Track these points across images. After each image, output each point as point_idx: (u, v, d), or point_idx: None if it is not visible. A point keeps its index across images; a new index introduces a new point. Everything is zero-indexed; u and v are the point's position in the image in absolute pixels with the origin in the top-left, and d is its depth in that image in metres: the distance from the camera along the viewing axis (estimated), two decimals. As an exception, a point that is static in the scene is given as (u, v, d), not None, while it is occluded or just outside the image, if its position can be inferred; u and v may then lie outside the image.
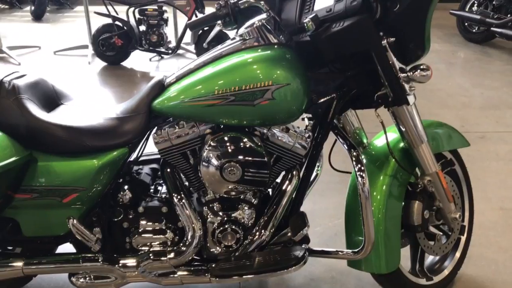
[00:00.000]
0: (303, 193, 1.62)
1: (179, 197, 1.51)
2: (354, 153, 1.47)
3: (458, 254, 1.83)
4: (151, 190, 1.65)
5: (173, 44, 4.91)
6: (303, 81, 1.42)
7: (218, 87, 1.39)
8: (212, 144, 1.44)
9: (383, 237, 1.52)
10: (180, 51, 5.15)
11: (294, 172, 1.55)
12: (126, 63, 4.81)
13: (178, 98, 1.43)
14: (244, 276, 1.48)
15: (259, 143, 1.46)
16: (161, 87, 1.51)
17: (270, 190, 1.67)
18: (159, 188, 1.68)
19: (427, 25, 1.34)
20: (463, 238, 1.85)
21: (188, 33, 4.73)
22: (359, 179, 1.43)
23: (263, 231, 1.53)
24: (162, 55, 5.01)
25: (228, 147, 1.43)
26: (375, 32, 1.35)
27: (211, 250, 1.58)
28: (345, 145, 1.54)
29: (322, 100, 1.53)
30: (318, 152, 1.59)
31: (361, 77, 1.52)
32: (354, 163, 1.46)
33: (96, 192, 1.48)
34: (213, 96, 1.39)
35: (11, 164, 1.33)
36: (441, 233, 1.71)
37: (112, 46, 4.58)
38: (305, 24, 1.38)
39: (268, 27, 1.51)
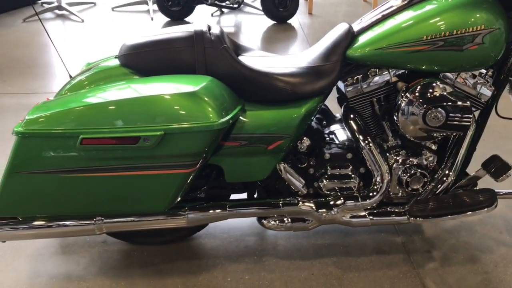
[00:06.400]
0: (478, 139, 1.66)
1: (366, 142, 1.56)
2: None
3: None
4: (327, 138, 1.70)
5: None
6: (507, 27, 1.43)
7: (427, 32, 1.40)
8: (413, 91, 1.47)
9: None
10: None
11: (472, 118, 1.59)
12: (189, 19, 4.77)
13: (379, 45, 1.45)
14: (440, 217, 1.55)
15: (457, 89, 1.49)
16: (352, 35, 1.53)
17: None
18: (332, 136, 1.73)
19: None
20: None
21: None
22: None
23: (448, 175, 1.59)
24: (223, 10, 4.95)
25: (431, 93, 1.46)
26: None
27: (393, 194, 1.64)
28: None
29: None
30: (496, 99, 1.62)
31: None
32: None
33: (296, 139, 1.52)
34: (421, 41, 1.41)
35: (237, 115, 1.37)
36: None
37: (177, 1, 4.53)
38: None
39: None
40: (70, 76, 1.62)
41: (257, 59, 1.60)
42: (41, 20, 1.61)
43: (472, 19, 1.38)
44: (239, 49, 1.68)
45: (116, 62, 1.51)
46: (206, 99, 1.27)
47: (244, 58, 1.62)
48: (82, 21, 4.73)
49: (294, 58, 1.61)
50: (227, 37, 1.60)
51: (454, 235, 1.91)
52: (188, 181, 1.39)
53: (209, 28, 1.51)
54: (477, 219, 2.00)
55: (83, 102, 1.26)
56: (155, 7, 4.98)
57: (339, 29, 1.57)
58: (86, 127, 1.23)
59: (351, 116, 1.59)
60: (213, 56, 1.43)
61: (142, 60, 1.46)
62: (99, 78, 1.48)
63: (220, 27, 1.57)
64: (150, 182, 1.34)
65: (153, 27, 4.60)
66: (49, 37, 1.69)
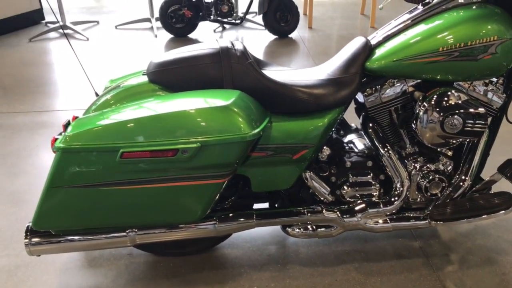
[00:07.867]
0: (491, 144, 1.73)
1: (385, 149, 1.63)
2: None
3: None
4: (346, 147, 1.76)
5: (238, 14, 4.96)
6: (517, 36, 1.51)
7: (443, 44, 1.48)
8: (431, 100, 1.54)
9: None
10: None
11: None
12: (192, 35, 4.85)
13: (397, 57, 1.52)
14: (460, 220, 1.61)
15: (471, 97, 1.56)
16: (369, 48, 1.60)
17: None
18: (350, 145, 1.79)
19: None
20: None
21: (255, 3, 4.75)
22: None
23: (464, 180, 1.66)
24: (225, 26, 5.05)
25: (448, 102, 1.53)
26: None
27: (412, 199, 1.70)
28: None
29: None
30: (507, 105, 1.69)
31: None
32: None
33: (318, 148, 1.59)
34: (437, 53, 1.48)
35: (266, 126, 1.43)
36: None
37: (181, 18, 4.62)
38: None
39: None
40: (97, 95, 1.68)
41: (280, 73, 1.67)
42: (67, 38, 1.67)
43: (485, 31, 1.46)
44: (259, 64, 1.74)
45: (145, 78, 1.57)
46: (238, 112, 1.33)
47: (267, 72, 1.68)
48: (87, 39, 4.80)
49: (315, 70, 1.68)
50: (250, 53, 1.67)
51: (470, 238, 1.97)
52: (220, 191, 1.44)
53: (233, 45, 1.58)
54: (491, 223, 2.06)
55: (122, 117, 1.32)
56: (159, 24, 5.07)
57: (357, 43, 1.64)
58: (126, 141, 1.28)
59: (370, 125, 1.66)
60: (239, 71, 1.50)
61: (171, 77, 1.52)
62: (128, 95, 1.53)
63: (243, 44, 1.64)
64: (186, 192, 1.39)
65: (158, 44, 4.67)
66: (75, 54, 1.75)
